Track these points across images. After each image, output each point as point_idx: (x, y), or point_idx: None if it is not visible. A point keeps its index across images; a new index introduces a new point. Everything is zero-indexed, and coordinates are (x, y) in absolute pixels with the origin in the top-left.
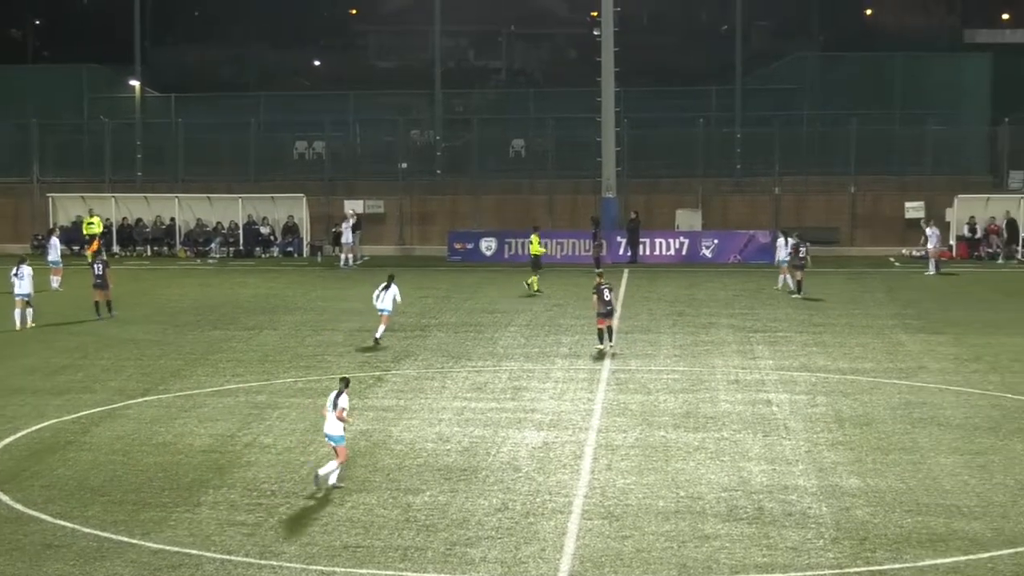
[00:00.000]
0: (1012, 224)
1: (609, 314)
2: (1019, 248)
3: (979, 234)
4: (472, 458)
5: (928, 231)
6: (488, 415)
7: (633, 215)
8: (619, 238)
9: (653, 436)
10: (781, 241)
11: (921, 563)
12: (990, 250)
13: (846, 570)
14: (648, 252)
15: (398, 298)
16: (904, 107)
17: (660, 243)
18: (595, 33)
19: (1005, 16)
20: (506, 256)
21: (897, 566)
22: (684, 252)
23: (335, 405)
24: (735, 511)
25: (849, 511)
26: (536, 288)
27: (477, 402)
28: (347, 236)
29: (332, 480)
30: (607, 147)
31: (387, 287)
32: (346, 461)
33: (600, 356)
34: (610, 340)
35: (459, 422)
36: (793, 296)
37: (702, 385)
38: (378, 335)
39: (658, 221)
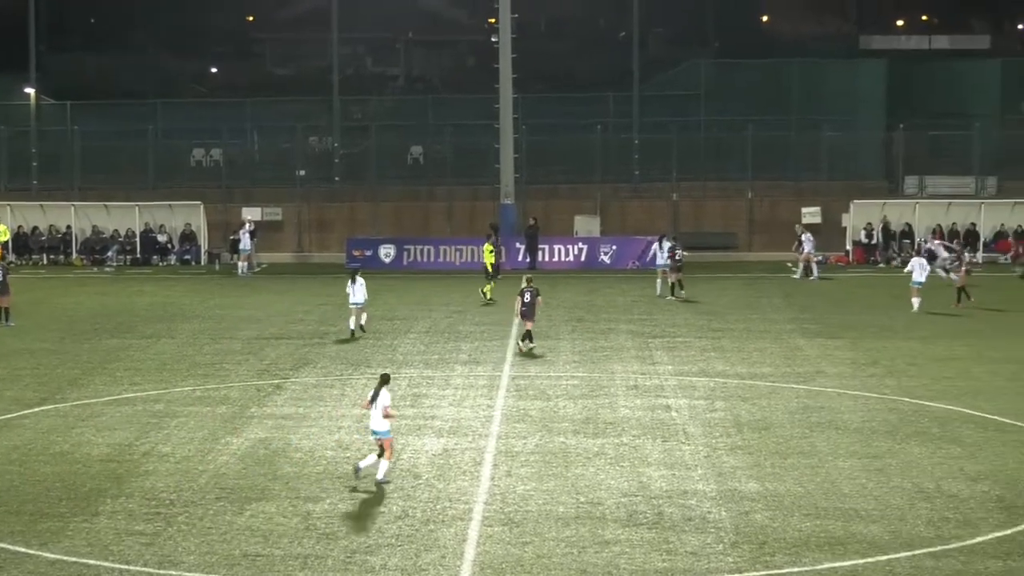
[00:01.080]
0: (886, 229)
1: (527, 315)
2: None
3: (875, 239)
4: (372, 466)
5: (802, 236)
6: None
7: (532, 221)
8: (518, 244)
9: (553, 442)
10: (656, 246)
11: (820, 566)
12: (885, 255)
13: (745, 574)
14: (547, 258)
15: (366, 291)
16: (800, 113)
17: (559, 249)
18: (493, 40)
19: (900, 22)
20: (405, 263)
21: (796, 570)
22: (583, 258)
23: (374, 400)
24: (635, 516)
25: (748, 515)
26: (489, 297)
27: (377, 409)
28: (245, 243)
29: (380, 476)
30: (505, 153)
31: (354, 281)
32: (392, 456)
33: (526, 354)
34: (529, 340)
35: (359, 429)
36: (669, 299)
37: (601, 391)
38: (352, 327)
39: (557, 227)
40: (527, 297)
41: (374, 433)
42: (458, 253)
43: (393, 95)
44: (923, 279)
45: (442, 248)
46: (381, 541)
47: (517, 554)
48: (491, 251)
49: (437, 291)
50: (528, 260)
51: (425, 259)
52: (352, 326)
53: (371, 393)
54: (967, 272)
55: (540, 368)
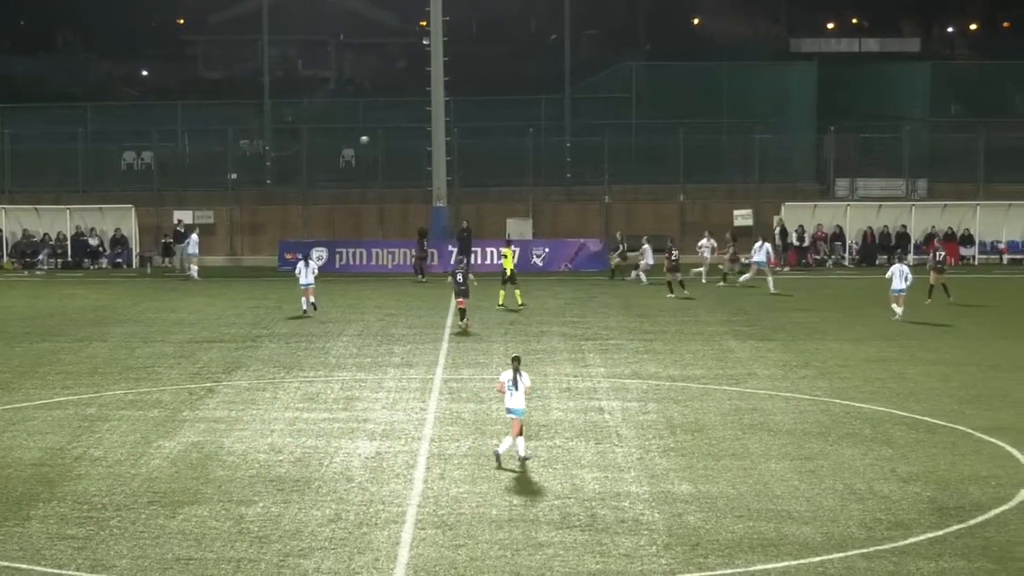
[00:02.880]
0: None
1: (464, 294)
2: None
3: (806, 242)
4: (305, 469)
5: (703, 241)
6: (320, 425)
7: (464, 224)
8: (450, 247)
9: (486, 445)
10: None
11: (753, 568)
12: (817, 257)
13: None
14: (480, 261)
15: (316, 271)
16: (731, 116)
17: (491, 252)
18: (424, 42)
19: (830, 25)
20: (337, 266)
21: (729, 571)
22: (515, 261)
23: (516, 384)
24: (568, 518)
25: (681, 517)
26: (521, 302)
27: (309, 412)
28: (193, 247)
29: (521, 452)
30: (437, 156)
31: (305, 263)
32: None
33: (463, 332)
34: (466, 317)
35: (291, 432)
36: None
37: (534, 393)
38: (304, 306)
39: (489, 230)
40: (459, 277)
41: (511, 412)
42: (390, 256)
43: (324, 97)
44: (904, 286)
45: (374, 251)
46: (314, 544)
47: (451, 557)
48: (511, 256)
49: (369, 294)
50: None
51: (357, 262)
52: (304, 305)
53: (507, 376)
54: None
55: (473, 371)
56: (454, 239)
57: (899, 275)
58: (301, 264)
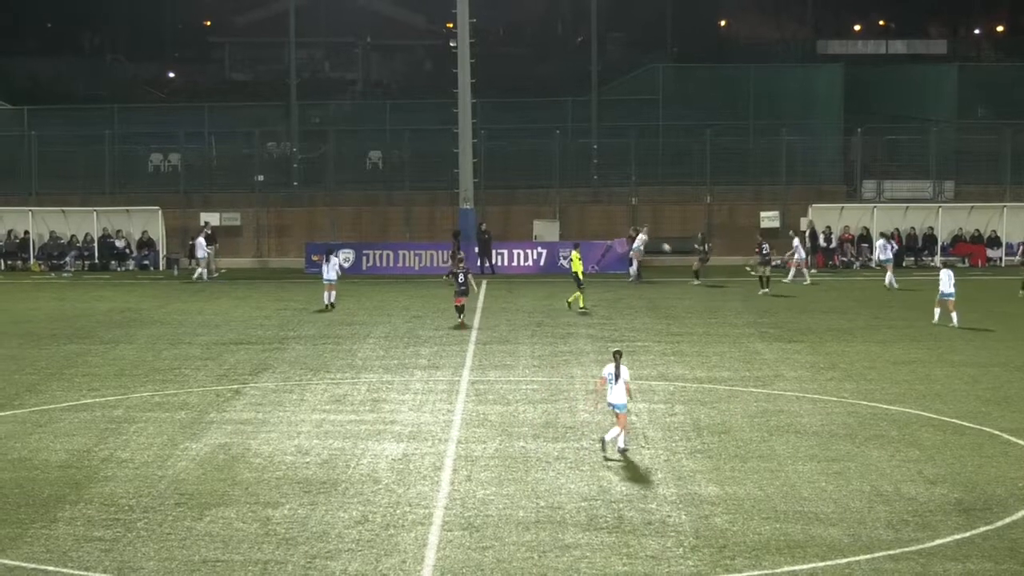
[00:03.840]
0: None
1: (463, 293)
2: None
3: (833, 243)
4: (332, 471)
5: (794, 242)
6: (347, 427)
7: (483, 227)
8: (474, 250)
9: (513, 447)
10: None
11: (779, 569)
12: (844, 259)
13: None
14: (506, 263)
15: (339, 269)
16: (758, 117)
17: (518, 254)
18: (451, 45)
19: (857, 27)
20: (364, 268)
21: (756, 573)
22: (542, 263)
23: (616, 377)
24: (595, 520)
25: (708, 519)
26: (581, 305)
27: (336, 414)
28: (200, 250)
29: (621, 444)
30: (464, 158)
31: (327, 260)
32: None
33: (458, 327)
34: (462, 314)
35: (318, 435)
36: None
37: (561, 395)
38: (326, 301)
39: (516, 232)
40: (461, 277)
41: (612, 406)
42: (417, 258)
43: (351, 99)
44: (952, 290)
45: (401, 253)
46: (341, 546)
47: (477, 559)
48: (578, 259)
49: (396, 296)
50: (488, 265)
51: (384, 264)
52: (326, 300)
53: (609, 370)
54: None
55: (500, 372)
56: (475, 241)
57: (947, 279)
58: (323, 261)
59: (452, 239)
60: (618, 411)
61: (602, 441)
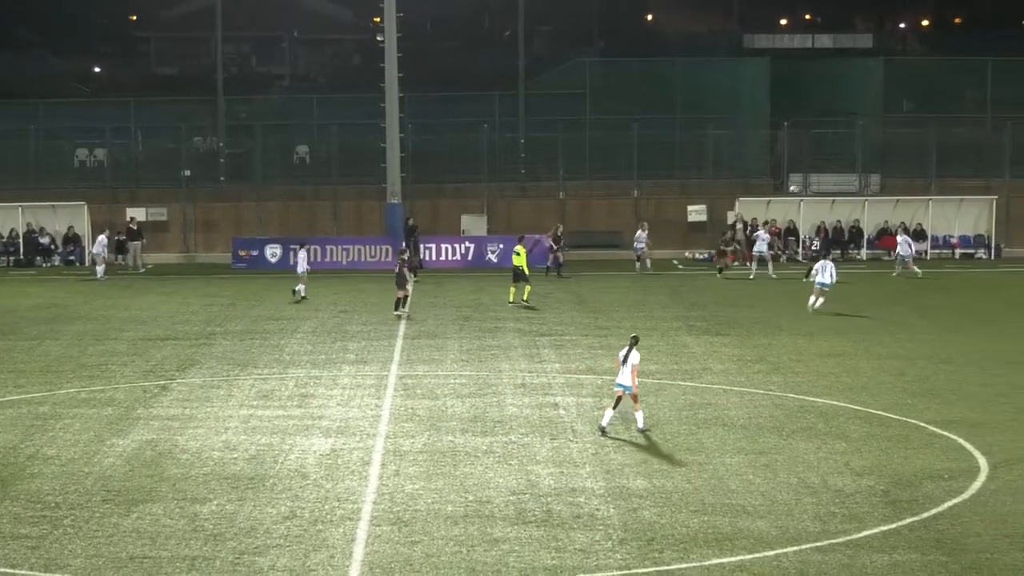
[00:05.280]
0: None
1: (401, 285)
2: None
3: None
4: (259, 466)
5: (639, 233)
6: (275, 423)
7: (410, 221)
8: (403, 244)
9: (441, 441)
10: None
11: (708, 562)
12: (771, 252)
13: (634, 571)
14: (434, 257)
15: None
16: (685, 111)
17: (446, 248)
18: (379, 39)
19: (783, 21)
20: (291, 263)
21: (684, 566)
22: (470, 257)
23: (624, 360)
24: (524, 514)
25: (636, 512)
26: (525, 298)
27: (264, 410)
28: (99, 247)
29: (641, 425)
30: (391, 153)
31: (297, 253)
32: (641, 406)
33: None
34: (403, 306)
35: (246, 430)
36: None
37: (489, 389)
38: (303, 293)
39: (443, 226)
40: (397, 268)
41: (619, 385)
42: (344, 252)
43: (278, 94)
44: (827, 280)
45: (328, 248)
46: (269, 542)
47: (406, 553)
48: (523, 253)
49: (323, 291)
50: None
51: (312, 259)
52: (302, 293)
53: (623, 353)
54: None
55: (428, 367)
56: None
57: (822, 269)
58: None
59: (404, 235)
60: (620, 389)
61: (601, 429)
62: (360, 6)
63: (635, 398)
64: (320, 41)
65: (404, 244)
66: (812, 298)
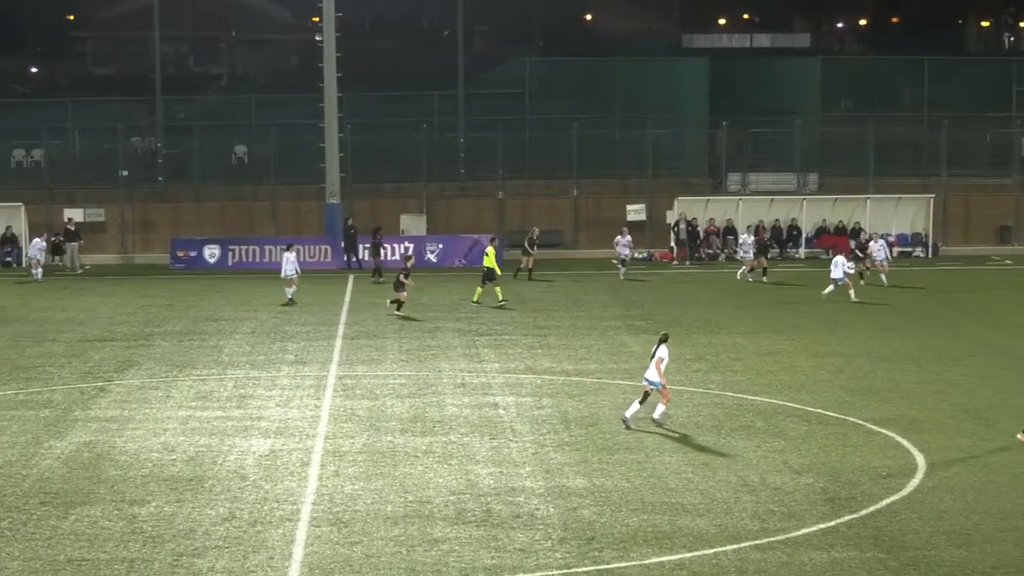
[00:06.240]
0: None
1: (398, 289)
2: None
3: (700, 236)
4: (198, 467)
5: (618, 238)
6: (214, 424)
7: (349, 221)
8: (341, 244)
9: (381, 441)
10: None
11: (647, 561)
12: (710, 251)
13: (574, 570)
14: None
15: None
16: (625, 111)
17: (385, 248)
18: (317, 38)
19: (722, 21)
20: (230, 263)
21: (624, 564)
22: (414, 258)
23: (654, 356)
24: (463, 514)
25: (576, 511)
26: (500, 299)
27: (203, 411)
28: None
29: (657, 416)
30: (330, 153)
31: (284, 254)
32: (669, 400)
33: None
34: (397, 309)
35: (185, 431)
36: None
37: (429, 389)
38: (290, 295)
39: (383, 226)
40: (400, 277)
41: (647, 381)
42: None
43: (217, 94)
44: (840, 275)
45: (267, 248)
46: (208, 543)
47: (346, 554)
48: (494, 255)
49: (262, 291)
50: (354, 260)
51: (250, 259)
52: (288, 296)
53: (653, 349)
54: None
55: (367, 367)
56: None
57: (834, 266)
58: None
59: (372, 235)
60: (649, 385)
61: (624, 421)
62: (299, 6)
63: (663, 393)
64: (259, 41)
65: (346, 249)
66: (830, 287)
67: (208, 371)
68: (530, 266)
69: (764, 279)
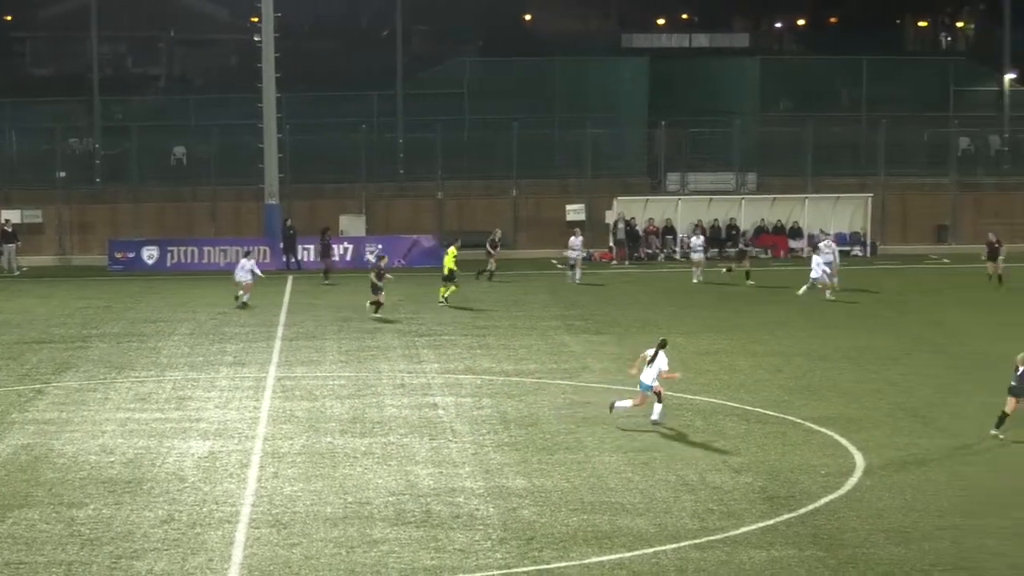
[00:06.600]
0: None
1: (375, 291)
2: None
3: (641, 236)
4: (137, 470)
5: (572, 240)
6: (152, 426)
7: (288, 222)
8: (280, 245)
9: (320, 442)
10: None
11: (587, 560)
12: (649, 251)
13: (514, 570)
14: (312, 258)
15: (256, 270)
16: (564, 111)
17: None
18: (256, 39)
19: (661, 21)
20: (169, 265)
21: (564, 564)
22: (349, 258)
23: (651, 362)
24: (403, 515)
25: (516, 511)
26: (444, 297)
27: (141, 413)
28: None
29: (655, 417)
30: (269, 153)
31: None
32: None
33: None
34: (375, 312)
35: (123, 433)
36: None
37: (368, 390)
38: (246, 299)
39: (322, 227)
40: (373, 278)
41: (641, 385)
42: (222, 254)
43: (155, 95)
44: (819, 274)
45: (206, 249)
46: (147, 546)
47: (285, 555)
48: (454, 256)
49: (201, 293)
50: (293, 261)
51: (189, 260)
52: (244, 299)
53: (651, 353)
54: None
55: (306, 368)
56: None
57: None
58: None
59: (320, 236)
60: (642, 391)
61: (653, 423)
62: (237, 6)
63: (659, 395)
64: (197, 41)
65: (285, 250)
66: (805, 287)
67: (147, 373)
68: (493, 267)
69: (749, 282)
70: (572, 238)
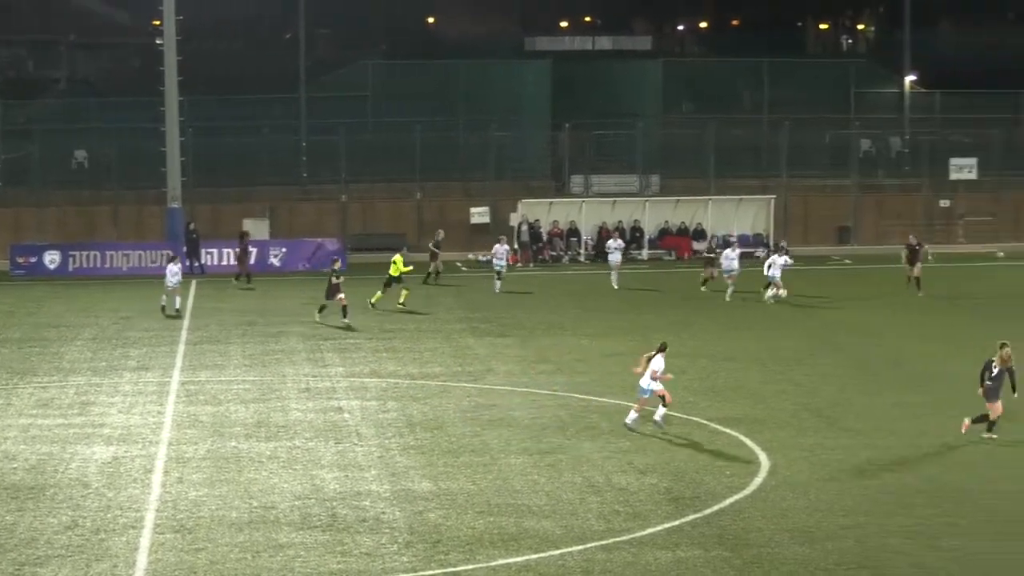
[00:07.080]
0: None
1: (330, 295)
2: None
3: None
4: (40, 476)
5: (496, 247)
6: (55, 431)
7: (191, 226)
8: (183, 249)
9: (225, 447)
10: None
11: (494, 563)
12: (553, 253)
13: (421, 573)
14: (215, 262)
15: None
16: (468, 114)
17: (228, 253)
18: (158, 42)
19: (564, 23)
20: (71, 269)
21: (471, 567)
22: (252, 261)
23: (649, 364)
24: (309, 519)
25: (422, 514)
26: (401, 302)
27: (44, 418)
28: None
29: (657, 417)
30: (171, 157)
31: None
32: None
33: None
34: (344, 316)
35: (25, 439)
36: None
37: (273, 394)
38: (177, 306)
39: (225, 230)
40: (334, 280)
41: (640, 390)
42: (125, 258)
43: (56, 98)
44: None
45: (109, 253)
46: (51, 552)
47: (190, 561)
48: (402, 263)
49: (104, 297)
50: (197, 265)
51: (91, 265)
52: (176, 305)
53: (651, 355)
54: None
55: (211, 372)
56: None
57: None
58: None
59: (239, 240)
60: (641, 394)
61: (656, 424)
62: (139, 9)
63: (663, 397)
64: (98, 44)
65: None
66: (771, 290)
67: (49, 378)
68: (439, 269)
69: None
70: (497, 246)
